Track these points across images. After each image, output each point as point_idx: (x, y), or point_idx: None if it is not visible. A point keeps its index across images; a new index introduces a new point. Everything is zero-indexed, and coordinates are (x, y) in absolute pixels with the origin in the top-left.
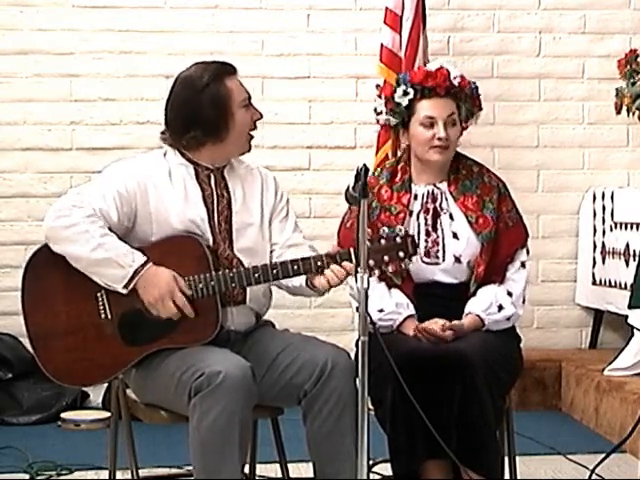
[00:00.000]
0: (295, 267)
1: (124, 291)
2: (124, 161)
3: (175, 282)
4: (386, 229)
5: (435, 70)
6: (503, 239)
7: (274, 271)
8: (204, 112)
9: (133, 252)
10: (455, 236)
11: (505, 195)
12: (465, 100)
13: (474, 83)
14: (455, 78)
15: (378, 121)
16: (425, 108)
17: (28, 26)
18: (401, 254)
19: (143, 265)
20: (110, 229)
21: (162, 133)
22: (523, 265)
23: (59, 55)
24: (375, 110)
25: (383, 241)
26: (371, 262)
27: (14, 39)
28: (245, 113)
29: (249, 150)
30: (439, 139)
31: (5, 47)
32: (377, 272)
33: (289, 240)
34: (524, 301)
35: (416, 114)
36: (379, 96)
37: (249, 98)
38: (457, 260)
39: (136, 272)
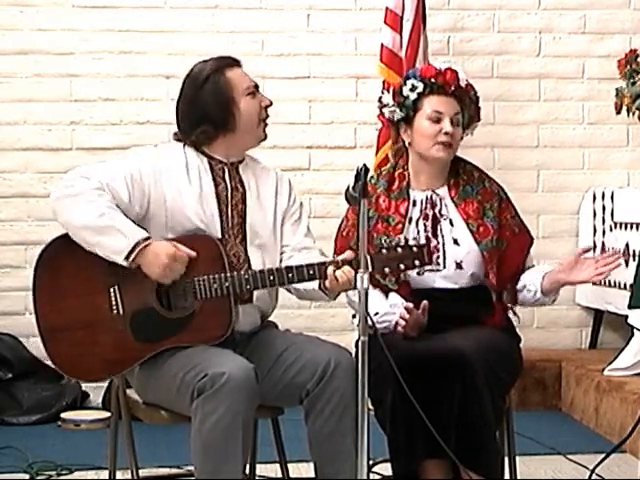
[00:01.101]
0: (311, 272)
1: (125, 263)
2: (142, 148)
3: (173, 245)
4: (402, 237)
5: (445, 69)
6: (513, 245)
7: (289, 275)
8: (208, 106)
9: (136, 226)
10: (456, 242)
11: (506, 202)
12: (469, 105)
13: (476, 92)
14: (462, 80)
15: (383, 114)
16: (433, 103)
17: (28, 26)
18: (417, 262)
19: (145, 239)
20: (121, 209)
21: (175, 134)
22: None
23: (59, 55)
24: (380, 101)
25: (399, 249)
26: (387, 269)
27: (14, 39)
28: (251, 100)
29: (265, 138)
30: (446, 134)
31: (5, 47)
32: (393, 279)
33: (300, 243)
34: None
35: (422, 109)
36: (387, 90)
37: (256, 86)
38: (458, 266)
39: (137, 244)
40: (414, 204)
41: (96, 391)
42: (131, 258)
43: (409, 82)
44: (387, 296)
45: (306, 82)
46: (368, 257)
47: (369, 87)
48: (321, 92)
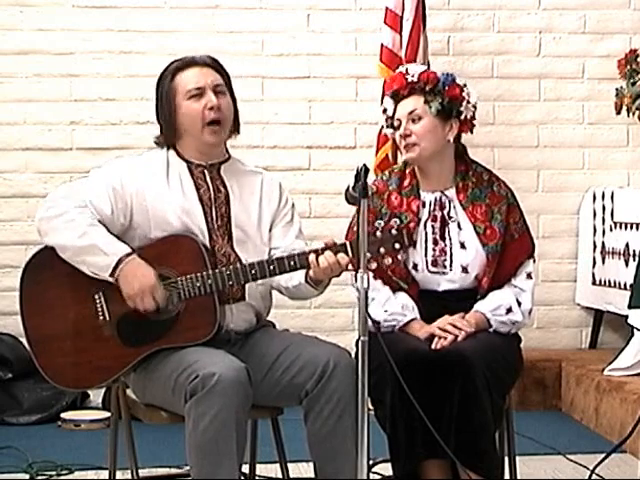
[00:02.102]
0: (292, 262)
1: (111, 279)
2: (123, 158)
3: (157, 280)
4: (381, 222)
5: (396, 73)
6: (508, 251)
7: (271, 267)
8: (158, 112)
9: (118, 242)
10: (463, 246)
11: (514, 206)
12: (431, 93)
13: (449, 75)
14: (413, 75)
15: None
16: (396, 113)
17: (28, 26)
18: (397, 245)
19: (127, 255)
20: (104, 223)
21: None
22: (529, 276)
23: (59, 55)
24: (384, 126)
25: (379, 233)
26: (367, 254)
27: (14, 39)
28: (192, 104)
29: (213, 142)
30: (401, 137)
31: (5, 47)
32: (374, 265)
33: (291, 245)
34: (530, 312)
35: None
36: (384, 112)
37: (200, 88)
38: (464, 270)
39: (120, 260)
40: (423, 205)
41: (96, 391)
42: (116, 274)
43: (385, 100)
44: (396, 294)
45: (306, 82)
46: (347, 243)
47: (369, 87)
48: (321, 92)
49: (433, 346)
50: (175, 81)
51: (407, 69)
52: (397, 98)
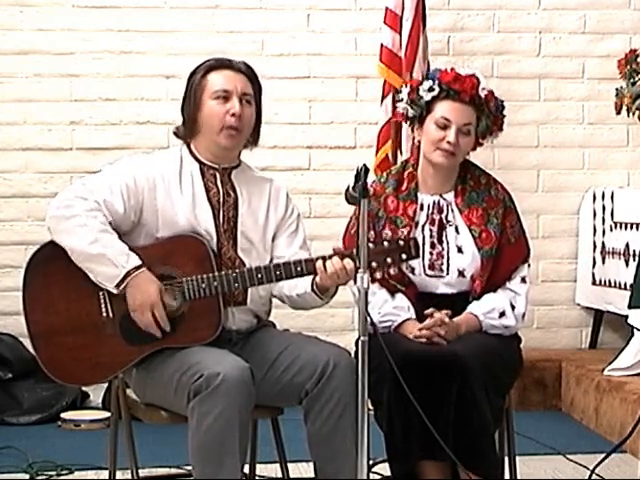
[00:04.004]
0: (298, 268)
1: (115, 291)
2: (137, 155)
3: (160, 295)
4: (389, 232)
5: (465, 75)
6: (505, 255)
7: (277, 272)
8: (183, 105)
9: (129, 254)
10: (460, 250)
11: (510, 209)
12: (487, 115)
13: (501, 102)
14: (483, 89)
15: (396, 109)
16: (444, 109)
17: (28, 26)
18: (403, 256)
19: (136, 268)
20: (115, 222)
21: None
22: (524, 280)
23: (59, 55)
24: (398, 95)
25: (386, 243)
26: (374, 264)
27: (14, 39)
28: (216, 105)
29: (228, 147)
30: (448, 143)
31: (5, 47)
32: (379, 274)
33: (295, 255)
34: (524, 316)
35: (433, 112)
36: (405, 84)
37: (227, 91)
38: (461, 274)
39: (128, 274)
40: (421, 208)
41: (96, 391)
42: (121, 287)
43: (427, 83)
44: (393, 296)
45: (306, 82)
46: (354, 251)
47: (369, 87)
48: (321, 92)
49: (422, 340)
50: (206, 78)
51: (478, 78)
52: (452, 96)
